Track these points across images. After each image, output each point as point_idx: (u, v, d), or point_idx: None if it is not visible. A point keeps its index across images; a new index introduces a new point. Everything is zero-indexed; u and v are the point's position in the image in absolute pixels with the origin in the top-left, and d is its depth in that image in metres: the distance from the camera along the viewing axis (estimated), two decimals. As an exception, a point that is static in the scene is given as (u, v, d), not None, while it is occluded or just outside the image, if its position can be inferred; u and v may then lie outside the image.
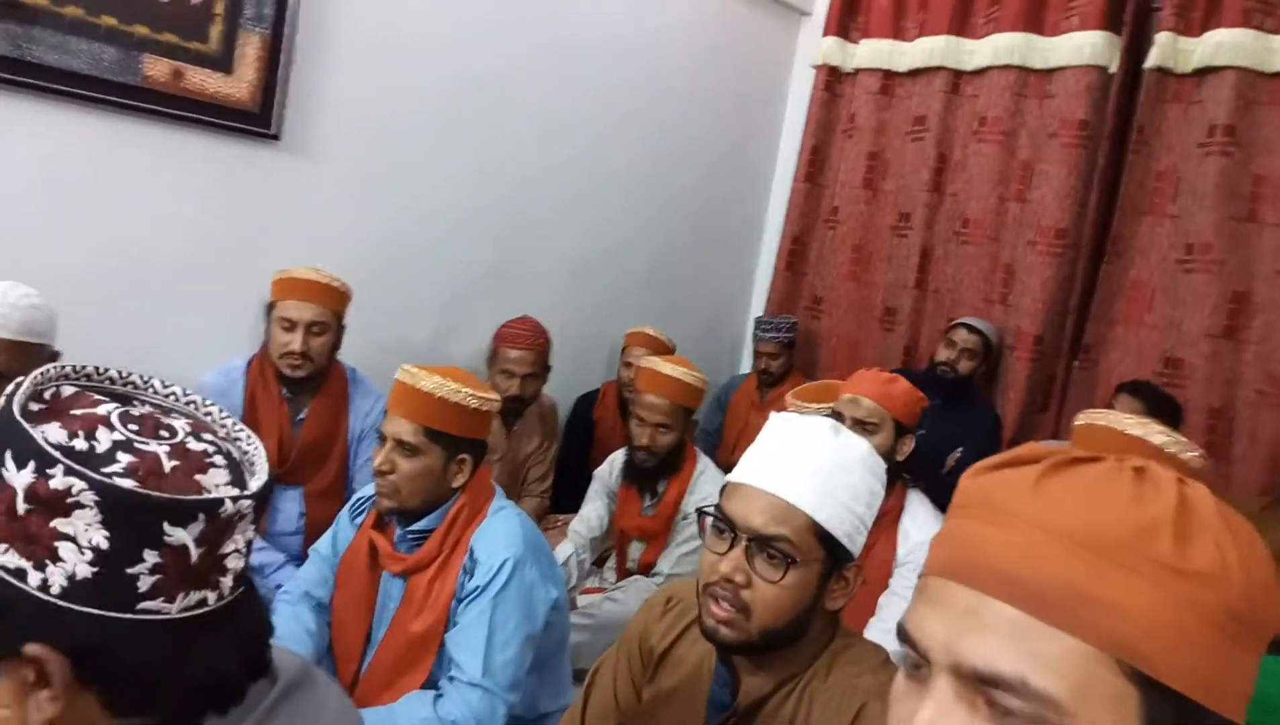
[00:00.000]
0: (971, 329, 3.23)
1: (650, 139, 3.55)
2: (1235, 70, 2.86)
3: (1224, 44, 2.87)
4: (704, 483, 2.55)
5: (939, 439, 3.22)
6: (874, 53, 3.73)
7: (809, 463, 1.11)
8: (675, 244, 3.77)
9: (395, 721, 1.56)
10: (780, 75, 4.06)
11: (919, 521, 2.11)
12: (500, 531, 1.68)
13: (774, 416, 1.19)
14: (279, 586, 1.95)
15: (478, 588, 1.61)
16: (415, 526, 1.71)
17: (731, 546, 1.11)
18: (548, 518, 3.07)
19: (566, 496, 3.11)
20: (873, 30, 3.74)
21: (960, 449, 3.20)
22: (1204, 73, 2.94)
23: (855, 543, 1.13)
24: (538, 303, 3.11)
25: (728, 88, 3.83)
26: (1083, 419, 1.71)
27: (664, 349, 3.29)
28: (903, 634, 0.57)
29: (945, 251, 3.53)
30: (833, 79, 3.86)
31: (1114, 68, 3.14)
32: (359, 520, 1.81)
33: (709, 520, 1.15)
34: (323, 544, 1.88)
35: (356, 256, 2.70)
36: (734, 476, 1.16)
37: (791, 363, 3.69)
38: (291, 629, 1.75)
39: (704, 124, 3.75)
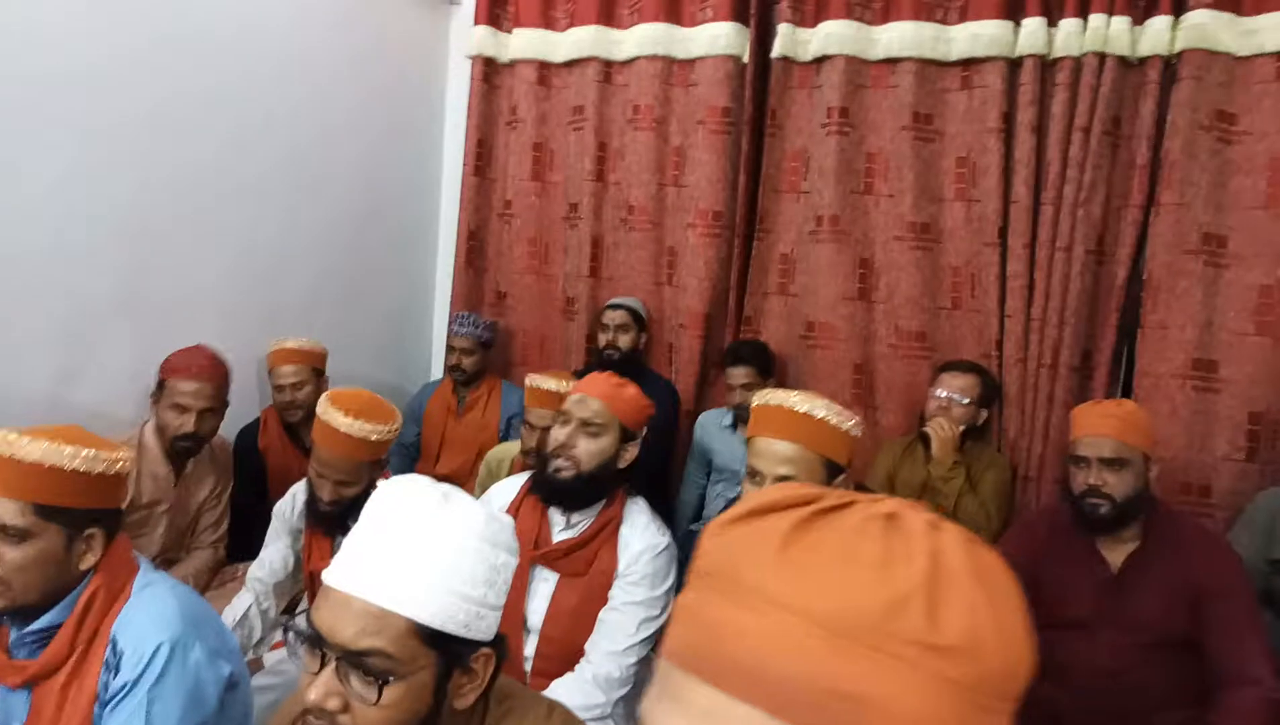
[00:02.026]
0: (614, 307, 3.39)
1: (299, 138, 3.29)
2: (844, 58, 3.16)
3: (833, 34, 3.17)
4: None
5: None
6: (528, 43, 3.73)
7: (409, 552, 0.98)
8: (342, 249, 3.55)
9: None
10: (437, 66, 3.95)
11: (639, 530, 2.08)
12: (149, 613, 1.45)
13: (377, 491, 1.05)
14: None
15: (126, 684, 1.38)
16: (36, 625, 1.43)
17: (323, 665, 0.96)
18: (225, 569, 2.79)
19: (244, 543, 2.81)
20: (524, 20, 3.73)
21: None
22: (820, 61, 3.23)
23: (479, 628, 1.01)
24: (183, 332, 2.78)
25: (383, 81, 3.65)
26: (758, 399, 1.81)
27: (316, 360, 3.07)
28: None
29: (614, 239, 3.63)
30: (490, 70, 3.81)
31: (746, 57, 3.36)
32: None
33: (291, 635, 1.01)
34: None
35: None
36: (325, 577, 1.02)
37: (486, 363, 3.64)
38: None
39: (360, 119, 3.55)
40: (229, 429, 2.99)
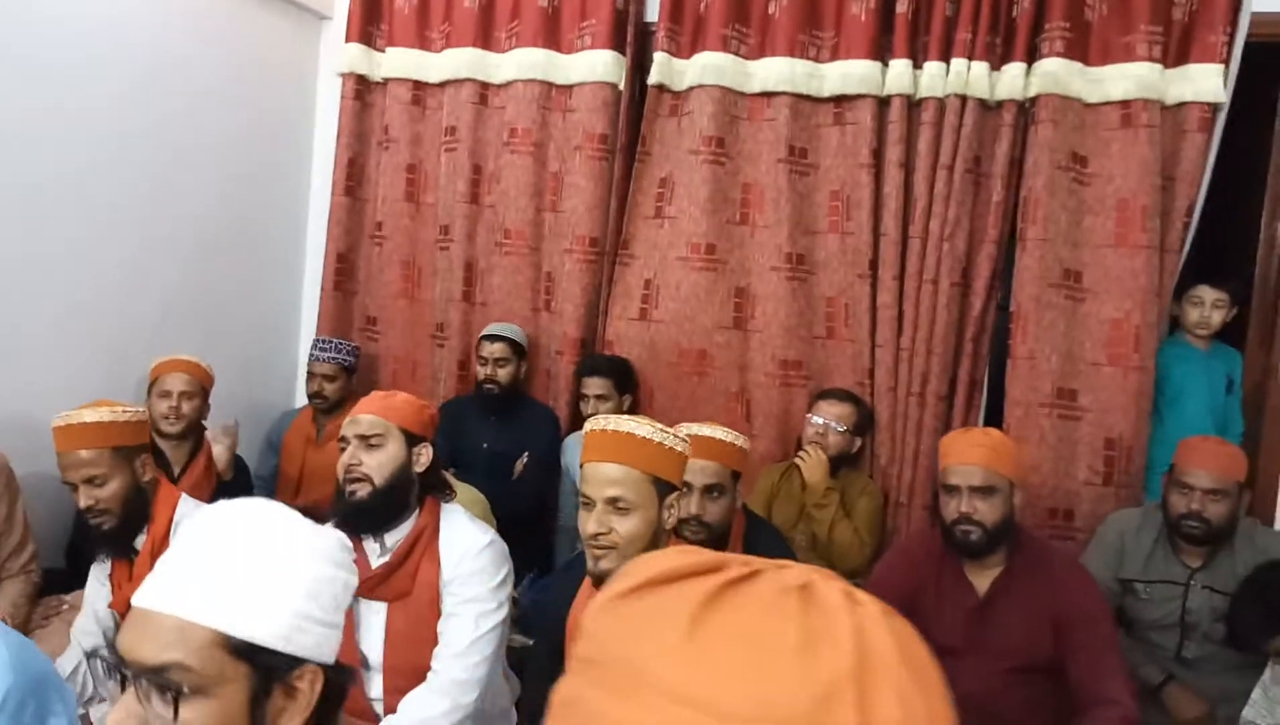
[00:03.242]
0: (492, 338, 3.29)
1: (158, 154, 3.10)
2: (720, 89, 3.19)
3: (709, 66, 3.19)
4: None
5: (503, 449, 3.25)
6: (402, 63, 3.62)
7: (219, 562, 0.93)
8: (201, 268, 3.34)
9: None
10: (306, 82, 3.79)
11: (457, 531, 2.03)
12: None
13: (191, 517, 0.99)
14: None
15: None
16: None
17: (124, 691, 0.91)
18: (47, 600, 2.53)
19: (72, 573, 2.61)
20: (397, 39, 3.62)
21: (526, 453, 3.25)
22: (695, 89, 3.24)
23: (301, 643, 0.94)
24: (19, 364, 2.54)
25: (249, 96, 3.48)
26: (588, 426, 1.77)
27: (206, 379, 2.92)
28: None
29: (489, 263, 3.53)
30: (362, 87, 3.68)
31: (623, 85, 3.35)
32: None
33: (99, 664, 0.94)
34: None
35: None
36: (132, 600, 0.95)
37: (350, 390, 3.47)
38: None
39: (220, 135, 3.36)
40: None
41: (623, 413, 3.15)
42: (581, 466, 1.75)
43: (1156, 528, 2.54)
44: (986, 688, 2.12)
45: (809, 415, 2.94)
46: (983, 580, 2.19)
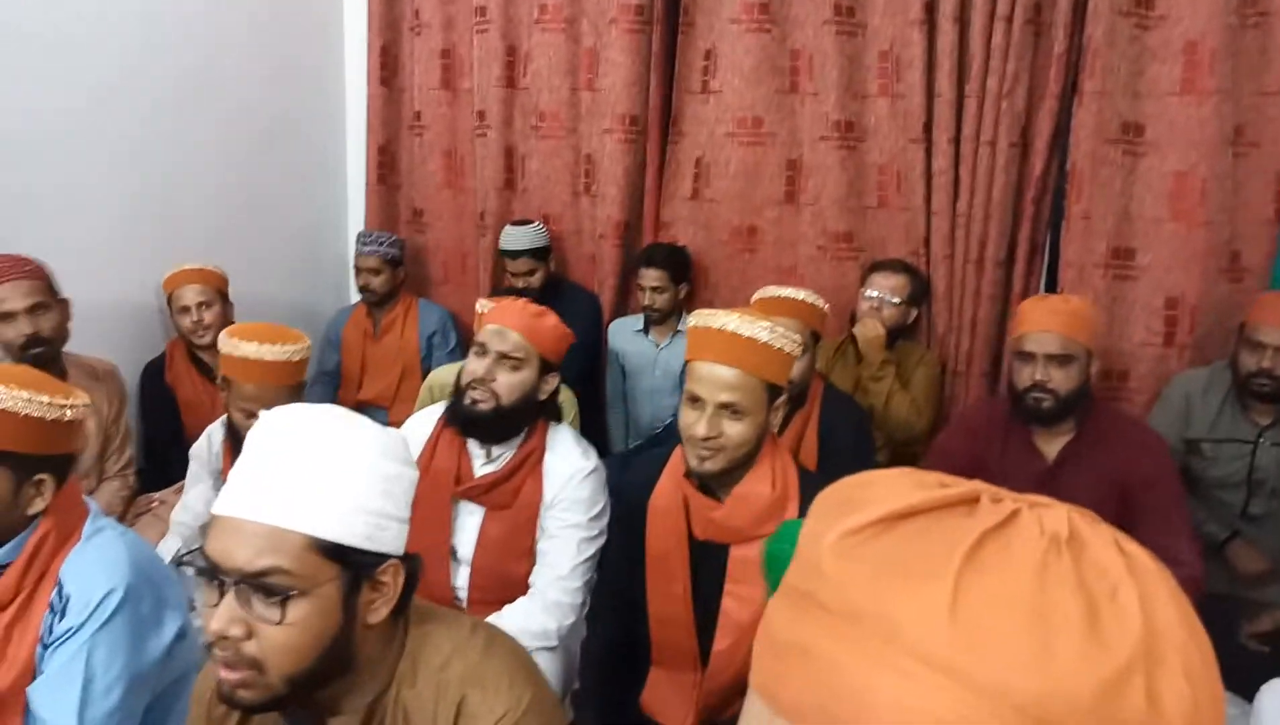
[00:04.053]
0: (512, 254, 3.20)
1: (192, 55, 3.06)
2: (762, -52, 3.02)
3: (749, -77, 3.01)
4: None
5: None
6: (427, -60, 3.47)
7: (299, 469, 0.96)
8: (243, 168, 3.33)
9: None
10: (333, -31, 3.68)
11: (562, 456, 2.03)
12: (98, 559, 1.42)
13: (260, 419, 1.01)
14: None
15: (70, 629, 1.35)
16: None
17: (221, 595, 0.94)
18: (139, 499, 2.67)
19: (159, 476, 2.73)
20: (420, -85, 3.47)
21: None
22: (736, -48, 3.07)
23: (382, 540, 0.99)
24: (73, 265, 2.58)
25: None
26: (694, 320, 1.73)
27: (218, 281, 2.91)
28: None
29: (527, 148, 3.46)
30: (389, -30, 3.56)
31: (658, -51, 3.18)
32: None
33: (188, 570, 0.98)
34: None
35: None
36: (214, 509, 0.98)
37: (398, 282, 3.49)
38: None
39: (257, 30, 3.31)
40: (133, 361, 2.88)
41: (678, 302, 3.15)
42: (690, 363, 1.72)
43: (1225, 387, 2.50)
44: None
45: (863, 289, 2.90)
46: (1051, 447, 2.19)
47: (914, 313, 2.94)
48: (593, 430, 3.26)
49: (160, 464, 2.81)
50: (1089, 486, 2.13)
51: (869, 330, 2.78)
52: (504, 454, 2.03)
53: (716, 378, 1.65)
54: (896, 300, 2.84)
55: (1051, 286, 3.03)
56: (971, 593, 0.38)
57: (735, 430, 1.65)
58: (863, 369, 2.79)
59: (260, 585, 0.93)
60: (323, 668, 0.97)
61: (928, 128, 3.00)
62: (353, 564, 0.97)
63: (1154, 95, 2.82)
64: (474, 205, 3.61)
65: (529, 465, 2.02)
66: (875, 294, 2.85)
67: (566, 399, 2.72)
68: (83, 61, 2.71)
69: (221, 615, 0.92)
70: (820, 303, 2.28)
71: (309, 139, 3.68)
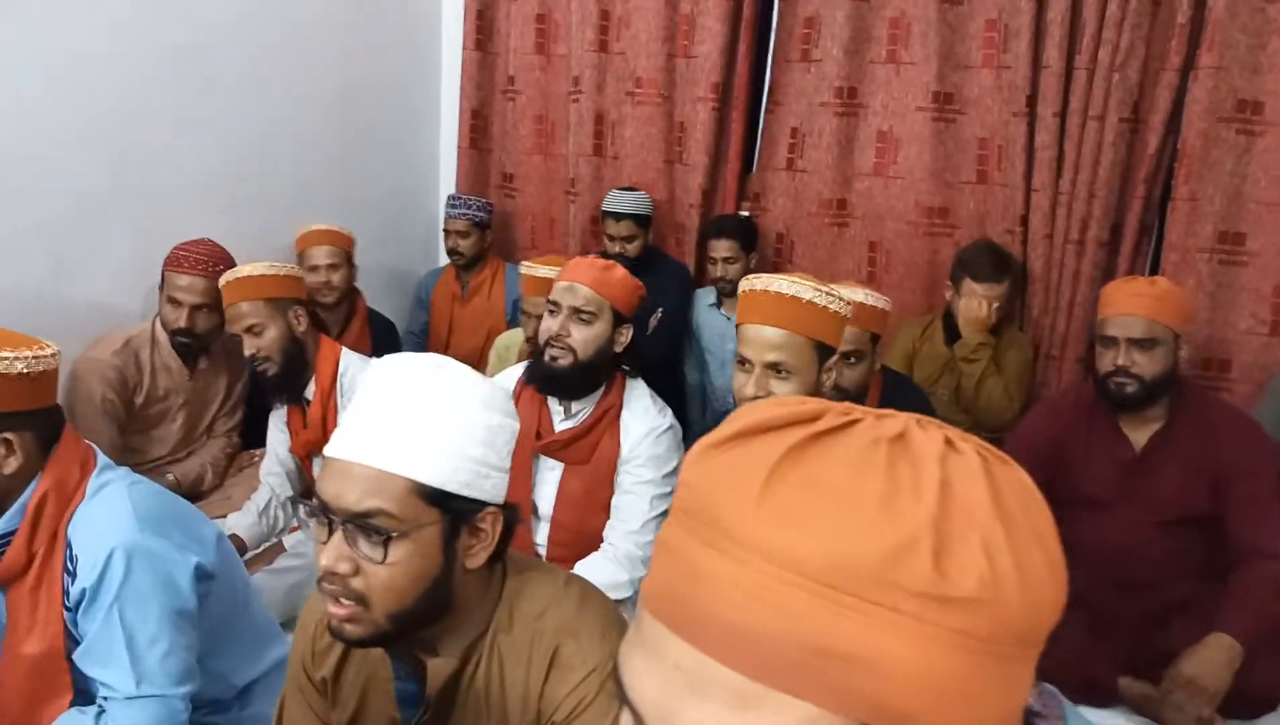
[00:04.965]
0: (617, 216, 3.19)
1: (291, 19, 3.13)
2: (864, -87, 2.95)
3: (853, -113, 2.93)
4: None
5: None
6: (526, -96, 3.48)
7: (405, 416, 0.99)
8: (337, 131, 3.41)
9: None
10: (431, -67, 3.72)
11: (639, 414, 2.07)
12: (100, 516, 1.41)
13: (374, 367, 1.05)
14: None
15: (85, 590, 1.37)
16: None
17: (330, 533, 0.98)
18: (241, 455, 2.81)
19: (262, 432, 2.84)
20: (521, -121, 3.48)
21: (659, 310, 3.27)
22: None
23: (482, 488, 1.02)
24: (181, 220, 2.70)
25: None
26: (744, 285, 1.75)
27: (346, 243, 3.03)
28: (616, 673, 0.47)
29: (620, 114, 3.46)
30: (488, -65, 3.58)
31: (757, -86, 3.13)
32: None
33: (303, 509, 1.03)
34: None
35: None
36: (326, 450, 1.02)
37: (486, 245, 3.54)
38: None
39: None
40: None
41: (749, 272, 3.12)
42: (739, 326, 1.73)
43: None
44: (1135, 539, 2.09)
45: (958, 297, 2.74)
46: (1140, 434, 2.12)
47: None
48: (671, 399, 3.27)
49: (261, 420, 2.90)
50: (1178, 476, 2.06)
51: (975, 310, 2.68)
52: (583, 410, 2.07)
53: (762, 338, 1.66)
54: (997, 305, 2.73)
55: (1155, 269, 2.90)
56: (784, 481, 0.42)
57: (784, 390, 1.65)
58: (958, 348, 2.71)
59: (365, 526, 0.96)
60: (424, 608, 1.01)
61: (1031, 101, 2.89)
62: (453, 509, 1.00)
63: (1275, 70, 2.66)
64: (563, 171, 3.63)
65: (607, 421, 2.06)
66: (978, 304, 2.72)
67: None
68: (183, 24, 2.78)
69: (330, 552, 0.97)
70: (881, 303, 2.16)
71: (403, 102, 3.74)
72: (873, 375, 2.21)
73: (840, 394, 2.11)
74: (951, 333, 2.78)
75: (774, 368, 1.65)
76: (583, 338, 1.98)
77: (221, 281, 2.36)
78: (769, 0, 3.20)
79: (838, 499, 0.41)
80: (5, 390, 1.35)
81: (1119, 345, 2.05)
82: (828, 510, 0.41)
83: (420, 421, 0.99)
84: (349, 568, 0.97)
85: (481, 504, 1.03)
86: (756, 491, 0.42)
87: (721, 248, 3.09)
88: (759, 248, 3.20)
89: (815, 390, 1.69)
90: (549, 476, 2.10)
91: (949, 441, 0.44)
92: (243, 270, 2.34)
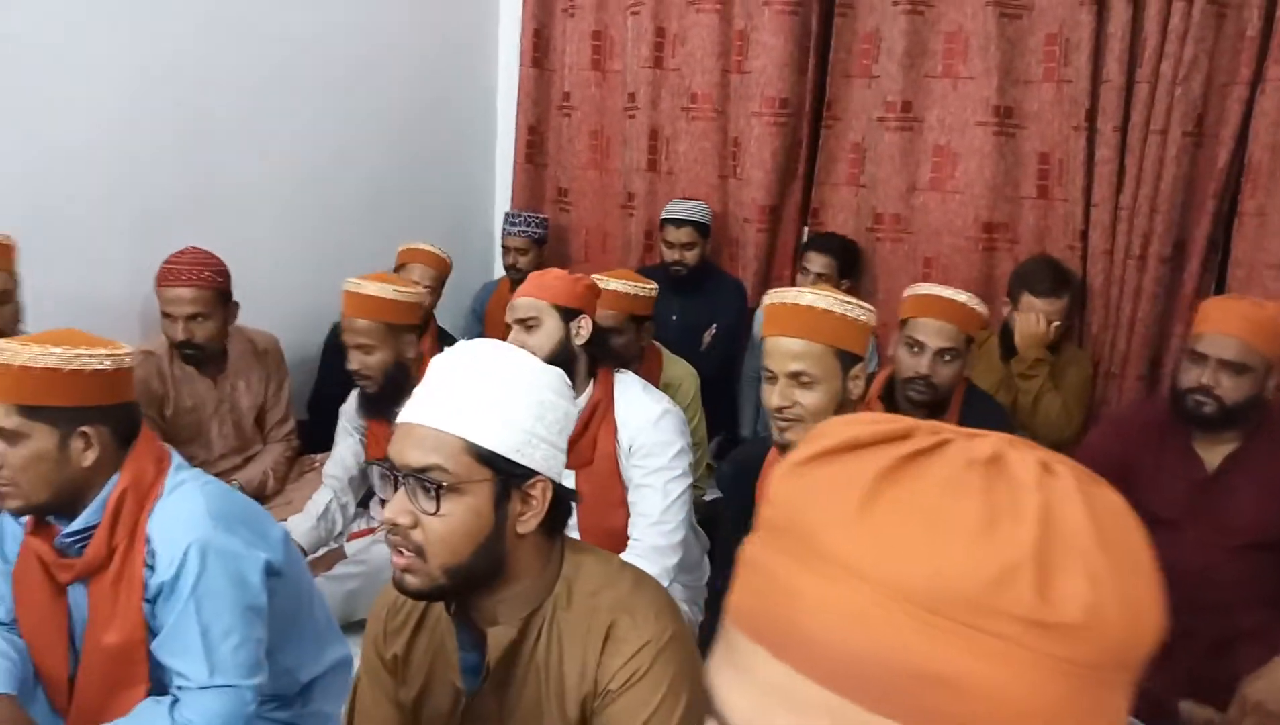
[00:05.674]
0: (677, 222, 3.23)
1: (357, 41, 3.24)
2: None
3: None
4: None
5: (691, 321, 3.30)
6: (583, -75, 3.55)
7: (463, 385, 1.09)
8: (399, 146, 3.51)
9: (128, 740, 1.41)
10: (491, -46, 3.81)
11: (632, 404, 2.10)
12: (177, 513, 1.48)
13: (448, 349, 1.15)
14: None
15: (164, 583, 1.43)
16: (74, 526, 1.47)
17: (395, 489, 1.08)
18: (301, 460, 2.87)
19: (326, 434, 2.87)
20: (578, -100, 3.55)
21: (714, 326, 3.29)
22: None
23: (531, 457, 1.09)
24: (248, 229, 2.81)
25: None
26: (767, 299, 1.76)
27: (443, 265, 3.11)
28: (708, 688, 0.47)
29: (674, 129, 3.49)
30: (545, -45, 3.66)
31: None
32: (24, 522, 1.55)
33: (375, 469, 1.12)
34: None
35: (9, 204, 2.29)
36: (399, 417, 1.12)
37: (542, 260, 3.59)
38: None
39: (409, 11, 3.46)
40: (301, 327, 3.06)
41: None
42: (763, 339, 1.75)
43: None
44: (1206, 562, 2.04)
45: (1016, 312, 2.70)
46: (1213, 454, 2.06)
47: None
48: (726, 413, 3.28)
49: (325, 423, 2.92)
50: (1252, 499, 2.00)
51: (1033, 325, 2.63)
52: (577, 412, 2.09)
53: (783, 349, 1.69)
54: (1056, 323, 2.69)
55: (1221, 286, 2.84)
56: (879, 501, 0.42)
57: (808, 399, 1.67)
58: (1015, 364, 2.68)
59: (422, 479, 1.05)
60: (477, 566, 1.09)
61: (1091, 115, 2.86)
62: (503, 471, 1.08)
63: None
64: (617, 185, 3.67)
65: (599, 415, 2.10)
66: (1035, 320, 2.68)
67: (685, 373, 2.75)
68: (261, 51, 2.90)
69: (393, 505, 1.06)
70: (980, 307, 2.18)
71: (462, 119, 3.82)
72: (962, 379, 2.22)
73: (930, 389, 2.12)
74: (1007, 348, 2.75)
75: (796, 377, 1.68)
76: (535, 342, 2.04)
77: (345, 288, 2.37)
78: (827, 15, 3.20)
79: (936, 521, 0.41)
80: (83, 386, 1.43)
81: (1208, 363, 1.98)
82: (926, 533, 0.41)
83: (475, 389, 1.08)
84: (409, 520, 1.06)
85: (531, 472, 1.10)
86: (853, 512, 0.42)
87: (818, 262, 3.07)
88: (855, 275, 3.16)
89: (842, 397, 1.71)
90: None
91: (1044, 464, 0.43)
92: (367, 286, 2.33)
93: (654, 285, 2.65)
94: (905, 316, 2.20)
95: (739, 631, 0.46)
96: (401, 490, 1.06)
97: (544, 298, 2.09)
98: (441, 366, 1.12)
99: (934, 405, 2.12)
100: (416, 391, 1.12)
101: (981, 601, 0.39)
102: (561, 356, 2.04)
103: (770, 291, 1.79)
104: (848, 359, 1.70)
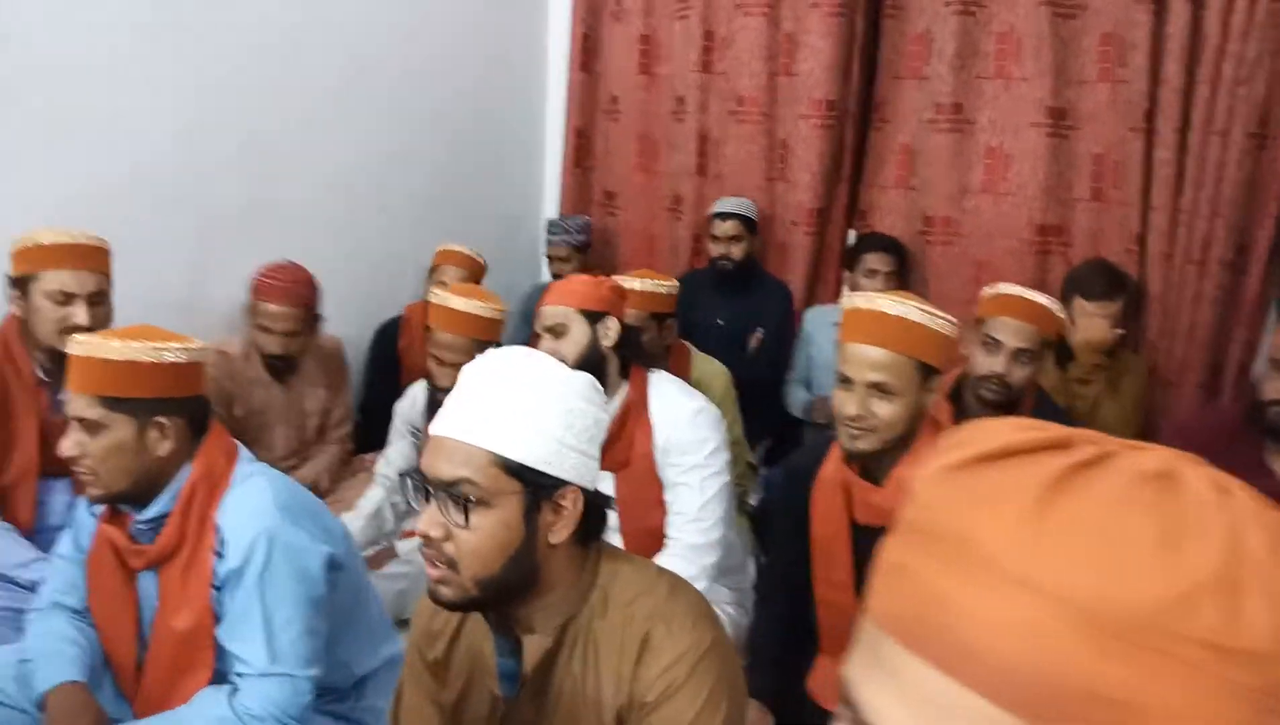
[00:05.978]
0: (724, 216, 3.24)
1: (401, 42, 3.29)
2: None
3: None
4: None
5: (736, 323, 3.29)
6: (632, -71, 3.57)
7: (490, 396, 1.08)
8: (450, 152, 3.56)
9: None
10: (540, -40, 3.84)
11: (666, 402, 2.10)
12: (247, 503, 1.52)
13: (473, 362, 1.14)
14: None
15: (232, 571, 1.48)
16: (147, 514, 1.53)
17: (428, 502, 1.08)
18: (354, 460, 2.92)
19: (375, 436, 2.91)
20: (628, -95, 3.57)
21: (760, 329, 3.28)
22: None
23: (561, 467, 1.08)
24: (304, 234, 2.87)
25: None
26: (847, 303, 1.74)
27: (476, 268, 3.14)
28: (844, 690, 0.46)
29: (722, 133, 3.49)
30: (594, -41, 3.68)
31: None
32: (97, 510, 1.61)
33: (409, 483, 1.12)
34: (62, 545, 1.68)
35: (77, 208, 2.37)
36: (430, 429, 1.12)
37: (586, 265, 3.61)
38: (49, 646, 1.57)
39: (460, 20, 3.51)
40: (360, 325, 3.12)
41: None
42: (841, 345, 1.72)
43: None
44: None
45: (1070, 319, 2.61)
46: (1288, 466, 2.00)
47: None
48: (769, 416, 3.25)
49: (376, 423, 2.97)
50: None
51: (1095, 331, 2.59)
52: (611, 414, 2.07)
53: (864, 357, 1.65)
54: (1115, 329, 2.64)
55: None
56: (1048, 513, 0.40)
57: (885, 410, 1.64)
58: (1071, 370, 2.63)
59: (453, 493, 1.05)
60: (510, 577, 1.08)
61: (1149, 116, 2.80)
62: (532, 483, 1.07)
63: None
64: (664, 189, 3.68)
65: (634, 415, 2.10)
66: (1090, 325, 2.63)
67: (716, 372, 2.74)
68: (323, 63, 2.97)
69: (426, 518, 1.07)
70: (1060, 311, 2.15)
71: (511, 125, 3.86)
72: (1033, 384, 2.19)
73: (1004, 389, 2.10)
74: (1059, 355, 2.70)
75: (876, 387, 1.64)
76: (564, 349, 2.06)
77: (434, 300, 2.46)
78: (875, 17, 3.18)
79: (1111, 536, 0.40)
80: (157, 378, 1.48)
81: None
82: (1102, 547, 0.39)
83: (502, 401, 1.07)
84: (441, 533, 1.06)
85: (561, 482, 1.09)
86: (1022, 521, 0.41)
87: (877, 261, 3.02)
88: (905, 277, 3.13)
89: (918, 410, 1.67)
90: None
91: (1218, 483, 0.42)
92: (454, 301, 2.39)
93: (674, 282, 2.65)
94: (983, 315, 2.17)
95: (885, 634, 0.44)
96: (433, 503, 1.07)
97: (568, 304, 2.10)
98: (471, 377, 1.11)
99: (1005, 406, 2.09)
100: (447, 402, 1.12)
101: (1163, 623, 0.38)
102: (591, 360, 2.06)
103: (851, 295, 1.76)
104: (927, 371, 1.67)
